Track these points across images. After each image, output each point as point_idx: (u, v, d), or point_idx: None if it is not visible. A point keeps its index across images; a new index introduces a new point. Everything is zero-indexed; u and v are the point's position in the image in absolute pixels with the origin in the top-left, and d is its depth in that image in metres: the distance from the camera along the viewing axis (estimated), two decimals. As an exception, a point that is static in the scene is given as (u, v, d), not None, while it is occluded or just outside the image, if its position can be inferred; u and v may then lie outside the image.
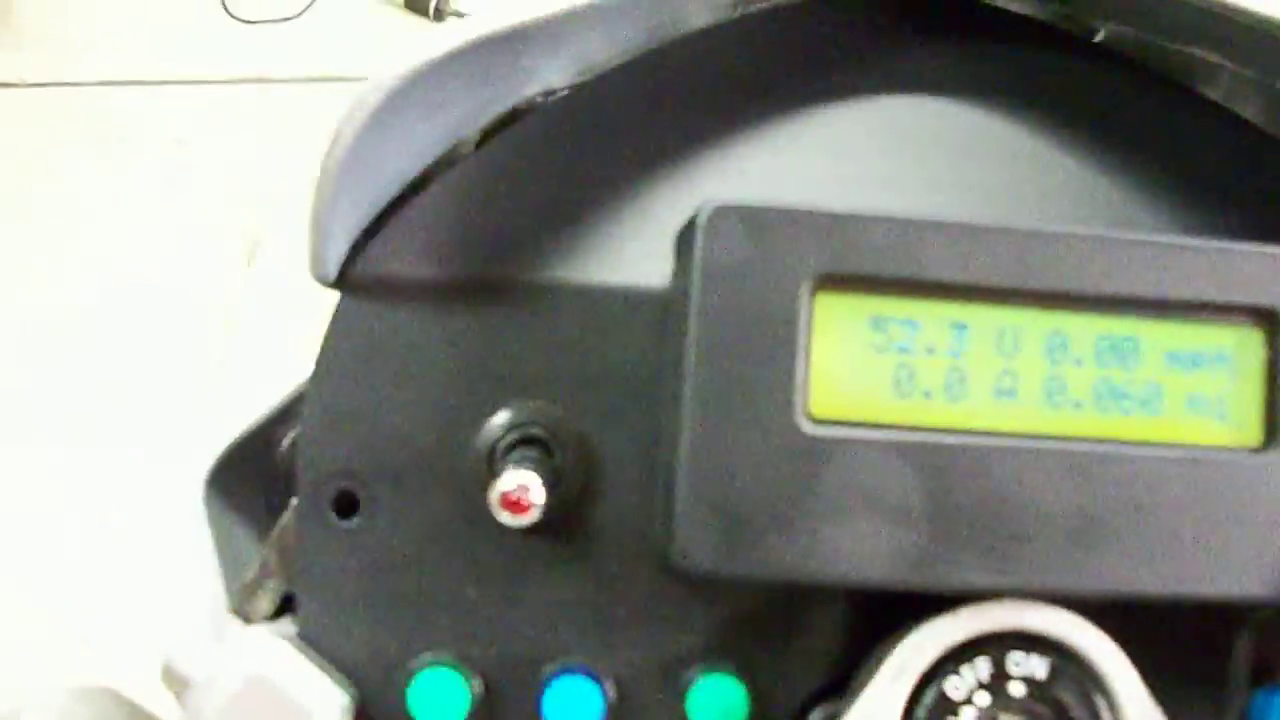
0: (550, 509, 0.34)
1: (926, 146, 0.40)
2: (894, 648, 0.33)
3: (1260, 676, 0.36)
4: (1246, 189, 0.40)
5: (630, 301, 0.35)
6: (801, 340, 0.32)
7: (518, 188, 0.37)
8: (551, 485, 0.34)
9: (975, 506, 0.32)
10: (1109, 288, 0.33)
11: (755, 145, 0.39)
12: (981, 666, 0.33)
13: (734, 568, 0.31)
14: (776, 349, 0.32)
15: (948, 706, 0.32)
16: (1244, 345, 0.34)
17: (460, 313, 0.36)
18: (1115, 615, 0.34)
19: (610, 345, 0.36)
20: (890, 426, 0.32)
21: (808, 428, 0.31)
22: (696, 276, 0.32)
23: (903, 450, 0.32)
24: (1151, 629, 0.35)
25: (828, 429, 0.32)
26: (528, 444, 0.35)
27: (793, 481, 0.31)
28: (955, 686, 0.32)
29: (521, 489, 0.31)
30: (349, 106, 0.32)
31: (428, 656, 0.34)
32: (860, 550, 0.31)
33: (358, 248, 0.36)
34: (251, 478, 0.41)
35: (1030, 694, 0.33)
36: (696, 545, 0.31)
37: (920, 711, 0.32)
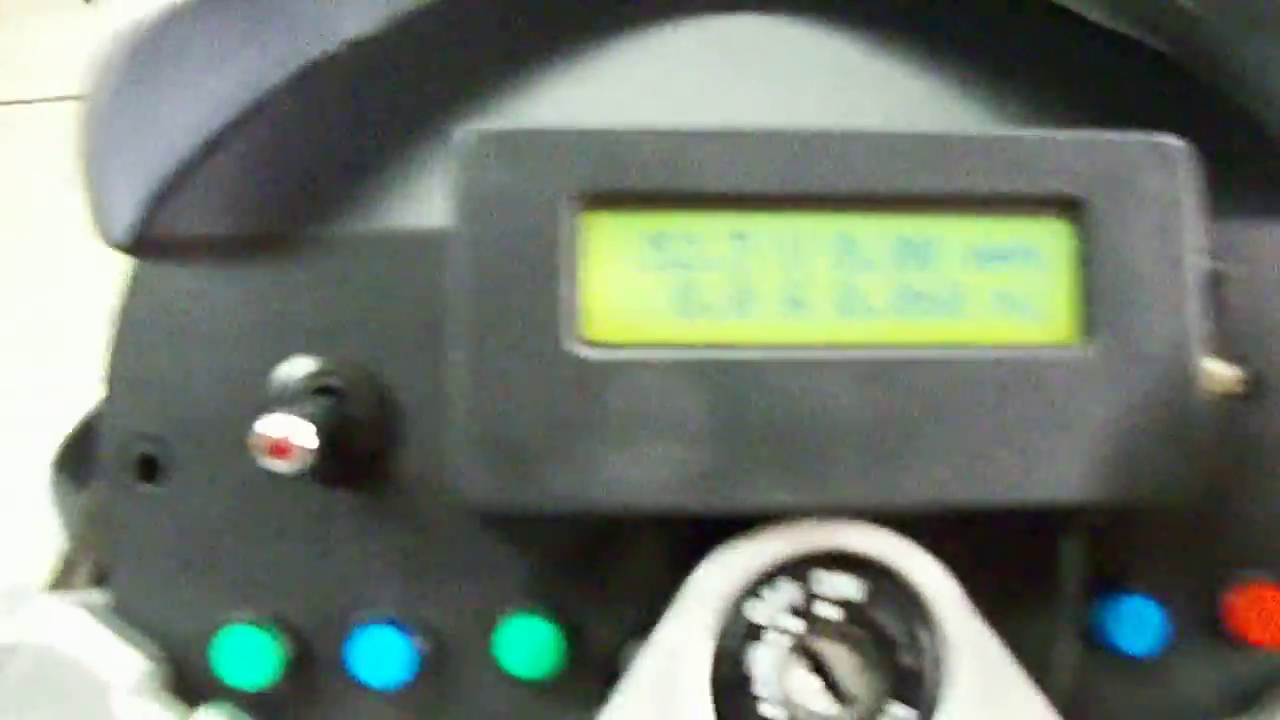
0: (346, 454, 0.34)
1: (749, 64, 0.38)
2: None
3: (1103, 584, 0.35)
4: (1082, 86, 0.38)
5: (421, 244, 0.34)
6: (570, 263, 0.30)
7: (312, 139, 0.36)
8: (349, 435, 0.34)
9: (768, 423, 0.30)
10: (900, 186, 0.31)
11: (567, 77, 0.38)
12: (788, 589, 0.31)
13: (514, 499, 0.30)
14: (544, 273, 0.30)
15: (756, 633, 0.31)
16: (1051, 238, 0.32)
17: (255, 268, 0.35)
18: (934, 529, 0.32)
19: (404, 290, 0.35)
20: (672, 346, 0.31)
21: (582, 352, 0.30)
22: (458, 205, 0.30)
23: (686, 369, 0.30)
24: (974, 541, 0.33)
25: (604, 352, 0.30)
26: (322, 394, 0.34)
27: (570, 408, 0.30)
28: (763, 611, 0.31)
29: (286, 435, 0.30)
30: (98, 64, 0.31)
31: (234, 615, 0.34)
32: (645, 475, 0.30)
33: (151, 210, 0.35)
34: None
35: (843, 617, 0.31)
36: (475, 478, 0.30)
37: (727, 640, 0.31)
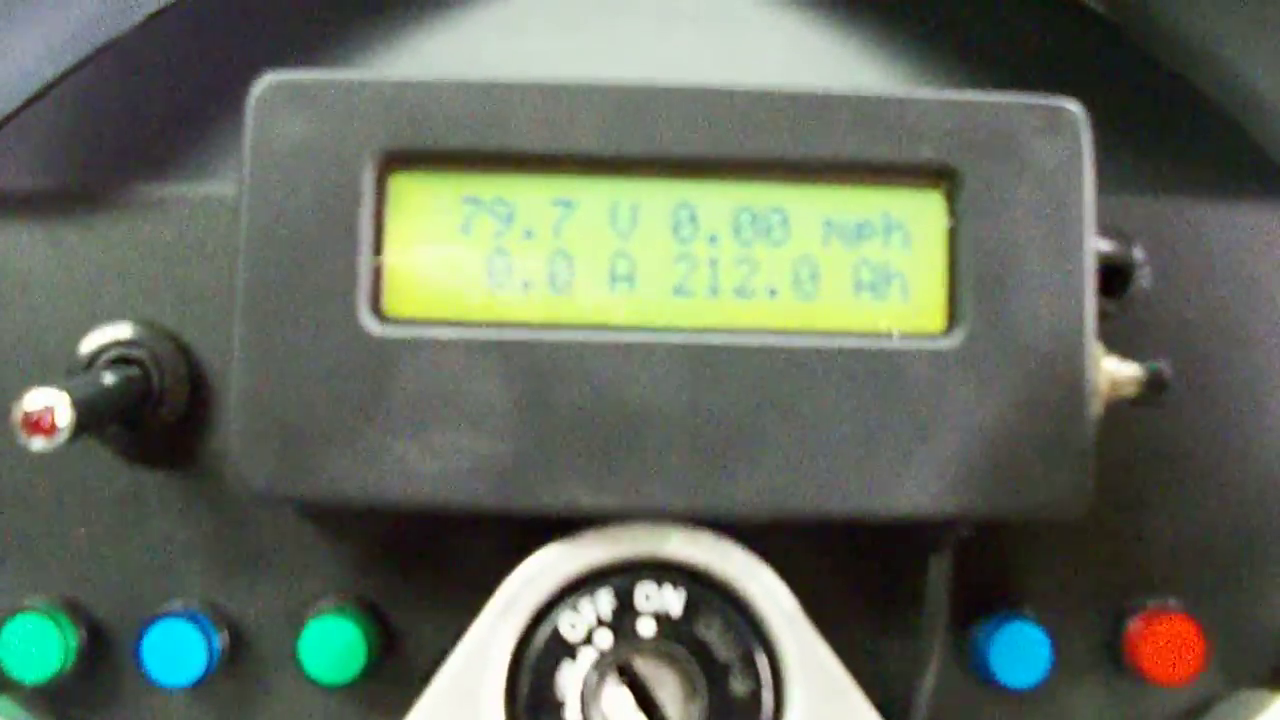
0: (152, 435, 0.31)
1: (618, 11, 0.35)
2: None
3: (981, 607, 0.31)
4: (1008, 50, 0.34)
5: (232, 207, 0.31)
6: (370, 227, 0.27)
7: (128, 94, 0.34)
8: (153, 408, 0.31)
9: (583, 414, 0.27)
10: (747, 149, 0.28)
11: (410, 27, 0.34)
12: (603, 600, 0.28)
13: (293, 488, 0.27)
14: (338, 239, 0.27)
15: (563, 648, 0.28)
16: (919, 211, 0.28)
17: (63, 226, 0.32)
18: (774, 539, 0.28)
19: (217, 255, 0.32)
20: (479, 324, 0.27)
21: (376, 328, 0.27)
22: (247, 161, 0.27)
23: (492, 350, 0.27)
24: (821, 553, 0.30)
25: (401, 329, 0.27)
26: (125, 364, 0.31)
27: (360, 389, 0.27)
28: (571, 624, 0.28)
29: (42, 408, 0.27)
30: None
31: (24, 602, 0.31)
32: (440, 468, 0.27)
33: None
34: None
35: (663, 632, 0.28)
36: (252, 463, 0.27)
37: (532, 654, 0.28)
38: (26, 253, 0.32)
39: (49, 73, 0.33)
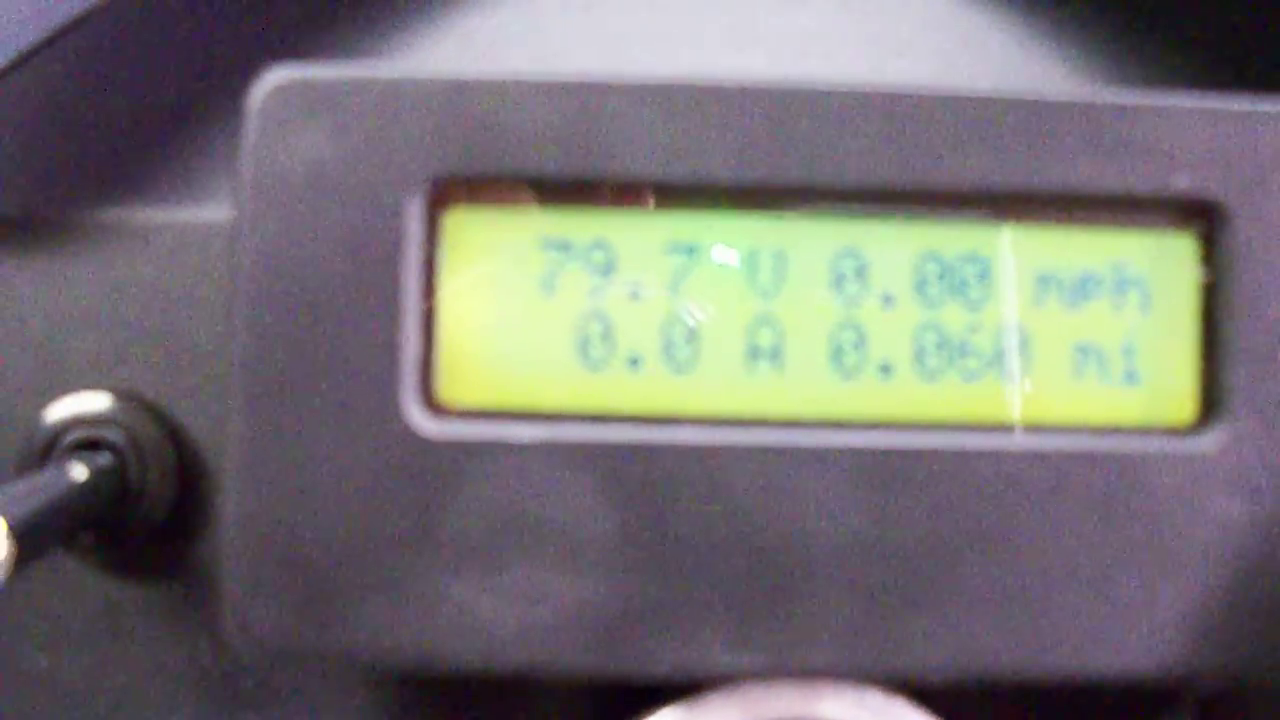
0: (133, 540, 0.24)
1: None
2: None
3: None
4: (1206, 44, 0.26)
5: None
6: (416, 281, 0.20)
7: (101, 94, 0.26)
8: (133, 504, 0.24)
9: (712, 542, 0.20)
10: (937, 176, 0.20)
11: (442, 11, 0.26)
12: (737, 785, 0.21)
13: (313, 643, 0.20)
14: (375, 298, 0.20)
15: None
16: (1165, 262, 0.21)
17: (14, 264, 0.24)
18: (960, 696, 0.21)
19: (208, 303, 0.24)
20: (573, 418, 0.20)
21: (427, 424, 0.20)
22: (246, 189, 0.20)
23: (590, 454, 0.20)
24: (1025, 712, 0.23)
25: (461, 425, 0.20)
26: (95, 448, 0.24)
27: (407, 510, 0.20)
28: (694, 819, 0.21)
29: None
30: None
31: None
32: (519, 619, 0.20)
33: None
34: None
35: (817, 827, 0.21)
36: (255, 608, 0.20)
37: None
38: None
39: None
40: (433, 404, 0.20)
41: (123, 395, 0.24)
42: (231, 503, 0.20)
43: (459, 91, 0.20)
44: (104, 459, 0.24)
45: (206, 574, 0.24)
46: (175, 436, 0.24)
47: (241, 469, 0.20)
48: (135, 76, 0.26)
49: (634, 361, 0.20)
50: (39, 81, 0.26)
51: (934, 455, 0.20)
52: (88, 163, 0.25)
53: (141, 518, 0.24)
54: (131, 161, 0.26)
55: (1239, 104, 0.21)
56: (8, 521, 0.20)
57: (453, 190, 0.20)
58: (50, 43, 0.25)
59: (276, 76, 0.20)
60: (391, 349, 0.20)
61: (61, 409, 0.24)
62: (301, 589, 0.20)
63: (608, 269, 0.20)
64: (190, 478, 0.24)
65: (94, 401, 0.24)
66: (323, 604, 0.20)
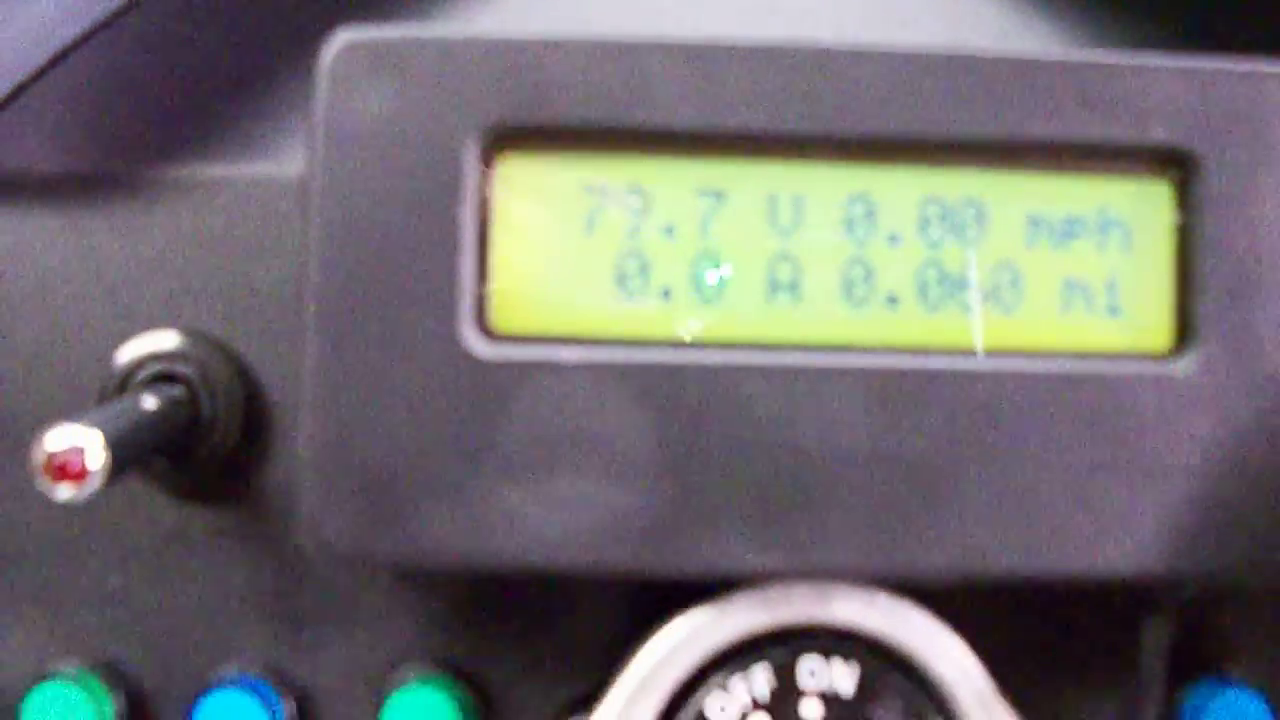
0: (202, 467, 0.26)
1: None
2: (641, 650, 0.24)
3: (1193, 671, 0.26)
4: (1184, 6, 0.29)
5: (295, 192, 0.26)
6: (471, 223, 0.22)
7: (165, 58, 0.28)
8: (202, 435, 0.26)
9: (739, 454, 0.22)
10: (939, 127, 0.22)
11: None
12: (759, 677, 0.23)
13: (381, 549, 0.22)
14: (434, 236, 0.22)
15: (710, 732, 0.23)
16: (1144, 206, 0.23)
17: (87, 214, 0.27)
18: (962, 601, 0.24)
19: (272, 249, 0.26)
20: (610, 342, 0.22)
21: (483, 349, 0.22)
22: (319, 141, 0.22)
23: (626, 375, 0.22)
24: (1018, 619, 0.25)
25: (513, 349, 0.22)
26: (168, 382, 0.26)
27: (464, 426, 0.22)
28: (721, 706, 0.23)
29: (73, 449, 0.22)
30: None
31: (56, 664, 0.26)
32: (563, 522, 0.22)
33: None
34: None
35: (832, 716, 0.23)
36: (330, 518, 0.22)
37: (673, 742, 0.23)
38: (46, 248, 0.27)
39: (67, 34, 0.28)
40: (486, 330, 0.22)
41: (193, 334, 0.26)
42: (307, 424, 0.22)
43: (510, 50, 0.22)
44: (176, 391, 0.26)
45: (269, 499, 0.27)
46: (241, 372, 0.27)
47: (316, 393, 0.22)
48: (204, 44, 0.28)
49: (666, 293, 0.23)
50: (115, 46, 0.28)
51: (936, 376, 0.22)
52: (159, 123, 0.28)
53: (209, 446, 0.26)
54: (199, 122, 0.28)
55: (1209, 64, 0.23)
56: (104, 433, 0.22)
57: (504, 139, 0.22)
58: (124, 13, 0.28)
59: (345, 38, 0.22)
60: (450, 281, 0.22)
61: (136, 347, 0.26)
62: (370, 499, 0.22)
63: (644, 211, 0.23)
64: (254, 410, 0.27)
65: (166, 340, 0.26)
66: (389, 512, 0.22)
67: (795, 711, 0.23)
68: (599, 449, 0.22)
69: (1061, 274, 0.23)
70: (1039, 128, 0.23)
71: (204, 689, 0.26)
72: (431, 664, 0.26)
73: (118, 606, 0.27)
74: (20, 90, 0.27)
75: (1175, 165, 0.23)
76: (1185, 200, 0.23)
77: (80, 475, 0.22)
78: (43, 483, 0.22)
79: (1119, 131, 0.23)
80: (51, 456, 0.22)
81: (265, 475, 0.27)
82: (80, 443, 0.22)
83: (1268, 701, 0.26)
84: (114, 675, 0.26)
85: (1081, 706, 0.26)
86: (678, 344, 0.22)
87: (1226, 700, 0.26)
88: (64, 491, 0.22)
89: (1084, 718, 0.26)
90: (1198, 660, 0.26)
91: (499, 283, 0.22)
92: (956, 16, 0.29)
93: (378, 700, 0.26)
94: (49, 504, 0.27)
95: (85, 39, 0.27)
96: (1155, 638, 0.25)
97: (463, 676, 0.26)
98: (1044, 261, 0.23)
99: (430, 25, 0.26)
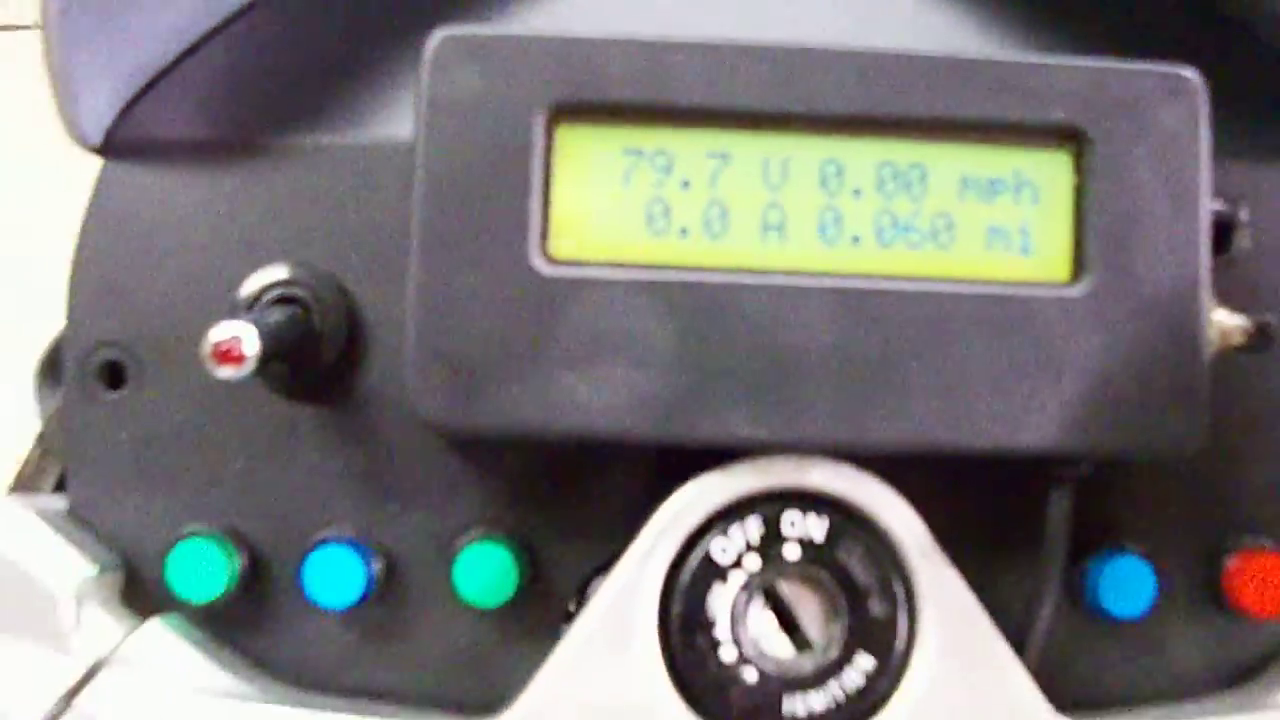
0: (307, 367, 0.33)
1: None
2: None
3: (1092, 542, 0.33)
4: (1096, 13, 0.36)
5: (393, 155, 0.33)
6: (539, 175, 0.29)
7: (288, 45, 0.35)
8: (312, 347, 0.33)
9: (737, 351, 0.29)
10: (891, 109, 0.30)
11: None
12: (752, 527, 0.30)
13: (467, 420, 0.29)
14: (510, 185, 0.29)
15: (714, 571, 0.30)
16: (1049, 170, 0.30)
17: (225, 174, 0.34)
18: (909, 473, 0.31)
19: (374, 202, 0.34)
20: (641, 266, 0.29)
21: (545, 269, 0.29)
22: (423, 112, 0.29)
23: (654, 290, 0.29)
24: (952, 488, 0.32)
25: (568, 269, 0.29)
26: (286, 304, 0.33)
27: (529, 326, 0.29)
28: (722, 549, 0.30)
29: (232, 340, 0.29)
30: None
31: (191, 527, 0.33)
32: (605, 399, 0.29)
33: (124, 111, 0.34)
34: None
35: (807, 557, 0.30)
36: (429, 396, 0.29)
37: (684, 577, 0.30)
38: (188, 200, 0.34)
39: (205, 23, 0.35)
40: (548, 255, 0.29)
41: (307, 268, 0.33)
42: (411, 324, 0.29)
43: (568, 45, 0.29)
44: (293, 309, 0.33)
45: (362, 399, 0.34)
46: (344, 298, 0.33)
47: (417, 304, 0.29)
48: (324, 33, 0.35)
49: (684, 231, 0.30)
50: (251, 31, 0.35)
51: (886, 296, 0.29)
52: (285, 98, 0.35)
53: (318, 356, 0.33)
54: (317, 97, 0.35)
55: (1100, 63, 0.30)
56: (257, 327, 0.29)
57: (563, 113, 0.29)
58: (218, 31, 0.35)
59: (443, 33, 0.29)
60: (521, 219, 0.29)
61: (263, 276, 0.33)
62: (457, 383, 0.29)
63: (667, 169, 0.30)
64: (353, 328, 0.33)
65: (286, 271, 0.33)
66: (472, 392, 0.29)
67: (779, 553, 0.30)
68: (631, 345, 0.29)
69: (986, 221, 0.30)
70: (970, 110, 0.30)
71: (310, 548, 0.33)
72: (492, 528, 0.33)
73: (240, 484, 0.34)
74: (179, 61, 0.34)
75: (1072, 140, 0.30)
76: (1080, 166, 0.30)
77: (239, 359, 0.29)
78: (210, 366, 0.29)
79: (1030, 114, 0.30)
80: (217, 345, 0.29)
81: (360, 380, 0.34)
82: (239, 334, 0.29)
83: (1153, 566, 0.33)
84: (237, 538, 0.33)
85: (998, 572, 0.33)
86: (690, 269, 0.29)
87: (1118, 566, 0.33)
88: (226, 371, 0.29)
89: (1000, 582, 0.32)
90: (1096, 534, 0.33)
91: (557, 220, 0.29)
92: (915, 26, 0.36)
93: (449, 557, 0.33)
94: (185, 402, 0.34)
95: (228, 23, 0.35)
96: (1059, 511, 0.32)
97: (517, 539, 0.33)
98: (973, 212, 0.30)
99: (507, 24, 0.33)
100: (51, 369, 0.42)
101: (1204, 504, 0.34)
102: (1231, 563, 0.33)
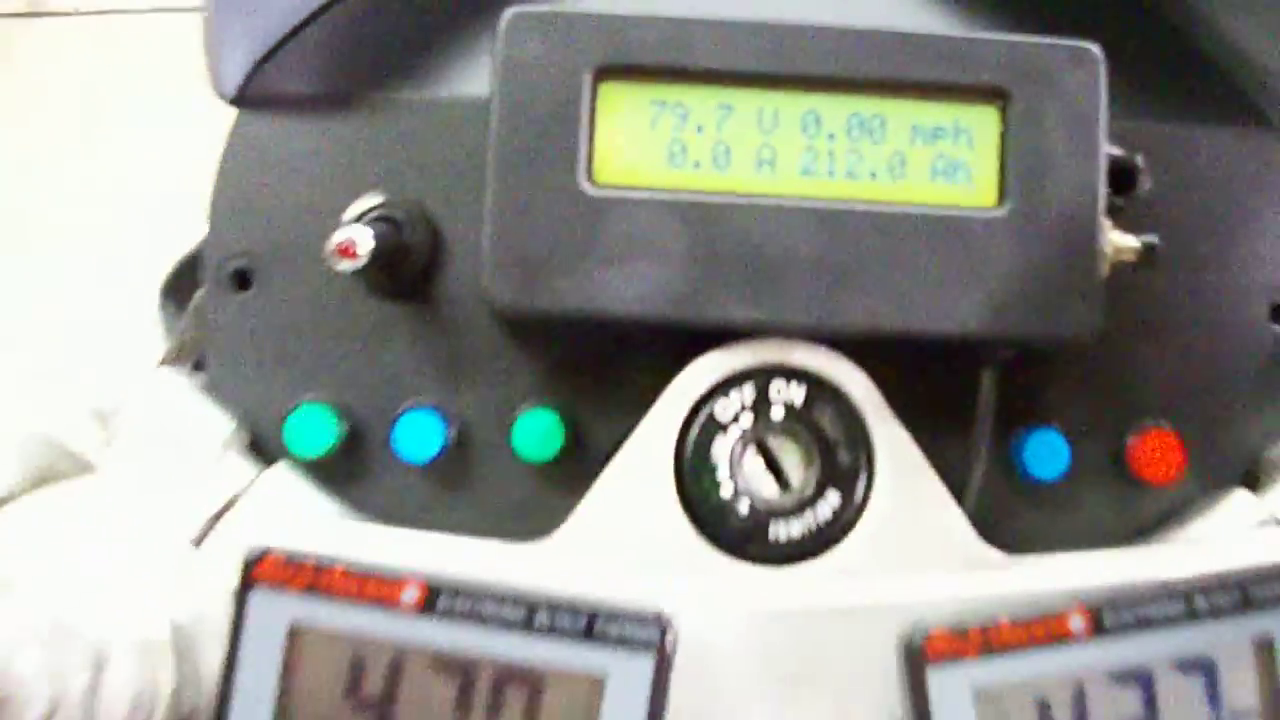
0: (400, 273, 0.42)
1: None
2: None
3: (1018, 418, 0.41)
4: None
5: (468, 108, 0.42)
6: (585, 120, 0.38)
7: (386, 17, 0.44)
8: (400, 255, 0.41)
9: (736, 254, 0.38)
10: (859, 72, 0.38)
11: None
12: (747, 391, 0.39)
13: (528, 304, 0.38)
14: (564, 127, 0.38)
15: (717, 427, 0.38)
16: (980, 120, 0.39)
17: (333, 121, 0.43)
18: (870, 353, 0.39)
19: (454, 145, 0.42)
20: (663, 190, 0.38)
21: (590, 190, 0.38)
22: (498, 72, 0.38)
23: (673, 208, 0.38)
24: (905, 369, 0.40)
25: (607, 191, 0.38)
26: (385, 222, 0.42)
27: (577, 233, 0.38)
28: (723, 409, 0.38)
29: (348, 240, 0.38)
30: None
31: (304, 398, 0.42)
32: (634, 289, 0.38)
33: (255, 70, 0.43)
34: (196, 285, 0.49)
35: (789, 416, 0.38)
36: (500, 286, 0.38)
37: (693, 432, 0.38)
38: (303, 142, 0.43)
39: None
40: (592, 180, 0.38)
41: (400, 195, 0.42)
42: (487, 233, 0.38)
43: (609, 20, 0.38)
44: (388, 227, 0.42)
45: (441, 300, 0.42)
46: (428, 220, 0.42)
47: (493, 216, 0.38)
48: (420, 4, 0.44)
49: (696, 164, 0.38)
50: (354, 1, 0.44)
51: (855, 215, 0.38)
52: (382, 59, 0.44)
53: (407, 264, 0.42)
54: (408, 59, 0.44)
55: (1022, 39, 0.39)
56: (371, 231, 0.38)
57: (605, 73, 0.38)
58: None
59: (513, 11, 0.38)
60: (572, 153, 0.38)
61: (365, 201, 0.42)
62: (523, 274, 0.38)
63: (684, 117, 0.39)
64: (435, 244, 0.42)
65: (383, 197, 0.42)
66: (535, 282, 0.38)
67: (768, 413, 0.38)
68: (654, 248, 0.38)
69: (931, 159, 0.39)
70: (921, 74, 0.38)
71: (399, 415, 0.41)
72: (543, 399, 0.42)
73: (343, 365, 0.42)
74: (302, 27, 0.43)
75: (999, 98, 0.39)
76: (1005, 118, 0.39)
77: (355, 255, 0.38)
78: (332, 261, 0.38)
79: (967, 77, 0.38)
80: (339, 244, 0.38)
81: (439, 284, 0.42)
82: (356, 236, 0.38)
83: (1068, 439, 0.41)
84: (341, 407, 0.42)
85: (941, 438, 0.41)
86: (702, 192, 0.38)
87: (1039, 437, 0.41)
88: (344, 265, 0.37)
89: (942, 445, 0.41)
90: (1023, 412, 0.42)
91: (599, 154, 0.38)
92: (887, 5, 0.45)
93: (508, 423, 0.41)
94: (300, 302, 0.42)
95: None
96: (989, 388, 0.40)
97: (563, 408, 0.41)
98: (921, 152, 0.39)
99: (562, 3, 0.42)
100: (172, 291, 0.50)
101: (1111, 391, 0.42)
102: (1132, 439, 0.42)
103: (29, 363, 0.45)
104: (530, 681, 0.35)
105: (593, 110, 0.38)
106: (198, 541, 0.39)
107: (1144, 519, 0.42)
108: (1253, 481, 0.42)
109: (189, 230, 0.49)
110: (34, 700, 0.33)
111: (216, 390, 0.42)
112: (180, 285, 0.50)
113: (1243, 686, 0.36)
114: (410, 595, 0.35)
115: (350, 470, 0.42)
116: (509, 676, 0.35)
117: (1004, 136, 0.39)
